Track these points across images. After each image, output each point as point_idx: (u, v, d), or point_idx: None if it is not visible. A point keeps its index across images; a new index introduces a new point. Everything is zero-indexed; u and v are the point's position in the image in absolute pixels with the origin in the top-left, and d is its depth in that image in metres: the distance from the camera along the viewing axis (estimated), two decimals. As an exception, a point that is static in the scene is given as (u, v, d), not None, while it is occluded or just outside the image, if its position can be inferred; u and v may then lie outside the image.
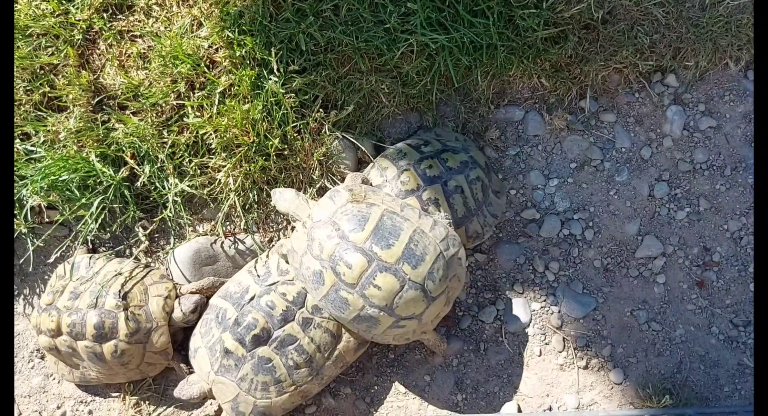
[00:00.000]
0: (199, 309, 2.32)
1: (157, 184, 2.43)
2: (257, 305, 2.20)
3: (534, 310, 2.50)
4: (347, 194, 2.12)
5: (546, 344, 2.47)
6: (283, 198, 2.26)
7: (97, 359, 2.26)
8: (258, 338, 2.16)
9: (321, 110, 2.45)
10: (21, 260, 2.51)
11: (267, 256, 2.39)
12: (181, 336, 2.43)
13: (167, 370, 2.43)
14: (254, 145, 2.40)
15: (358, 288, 2.03)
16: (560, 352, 2.46)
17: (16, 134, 2.43)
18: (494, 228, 2.48)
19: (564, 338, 2.46)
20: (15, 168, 2.38)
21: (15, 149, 2.41)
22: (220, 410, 2.37)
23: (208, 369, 2.21)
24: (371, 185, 2.34)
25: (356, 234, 2.04)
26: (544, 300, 2.50)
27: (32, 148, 2.41)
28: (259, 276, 2.28)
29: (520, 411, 2.38)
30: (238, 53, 2.36)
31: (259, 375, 2.16)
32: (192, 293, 2.37)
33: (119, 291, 2.26)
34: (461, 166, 2.35)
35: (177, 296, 2.37)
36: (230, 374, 2.18)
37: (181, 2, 2.47)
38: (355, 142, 2.46)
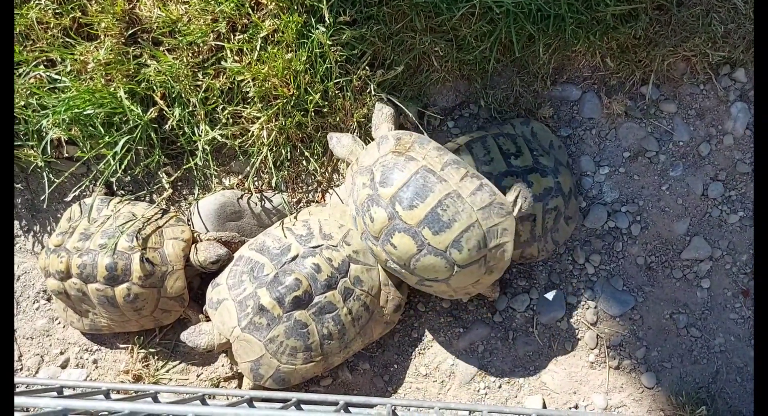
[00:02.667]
0: (222, 263, 2.18)
1: (186, 129, 2.27)
2: (301, 265, 2.07)
3: (569, 303, 2.36)
4: (393, 142, 2.04)
5: (578, 339, 2.34)
6: (341, 144, 2.20)
7: (108, 304, 2.13)
8: (299, 300, 2.03)
9: (367, 67, 2.29)
10: (38, 197, 2.38)
11: (295, 217, 2.25)
12: (197, 283, 2.30)
13: (179, 324, 2.30)
14: (293, 98, 2.24)
15: (380, 243, 2.01)
16: (592, 349, 2.33)
17: (40, 60, 2.27)
18: (550, 252, 2.31)
19: (598, 335, 2.34)
20: (37, 97, 2.23)
21: (38, 77, 2.25)
22: (234, 376, 2.26)
23: (234, 324, 2.07)
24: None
25: (384, 189, 1.98)
26: (581, 294, 2.37)
27: (57, 76, 2.25)
28: (301, 236, 2.15)
29: (545, 406, 2.26)
30: (286, -4, 2.19)
31: (291, 338, 2.04)
32: (210, 240, 2.23)
33: (134, 232, 2.13)
34: (544, 193, 2.16)
35: (195, 242, 2.23)
36: (259, 333, 2.04)
37: (230, -65, 2.29)
38: (400, 105, 2.30)
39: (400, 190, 1.94)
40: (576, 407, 2.28)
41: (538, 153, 2.25)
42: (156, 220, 2.22)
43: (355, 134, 2.33)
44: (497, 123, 2.40)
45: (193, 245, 2.21)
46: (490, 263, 2.00)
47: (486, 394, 2.29)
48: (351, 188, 2.11)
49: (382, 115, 2.23)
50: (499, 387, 2.31)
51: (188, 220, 2.33)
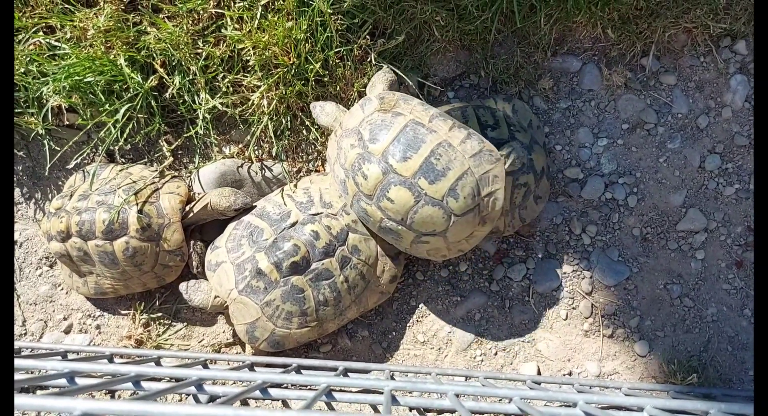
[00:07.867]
0: (241, 211, 2.20)
1: (187, 98, 2.27)
2: (300, 232, 2.10)
3: (565, 273, 2.40)
4: (377, 102, 2.05)
5: (573, 308, 2.38)
6: (325, 112, 2.20)
7: (109, 261, 2.16)
8: (296, 266, 2.06)
9: (368, 36, 2.28)
10: (39, 164, 2.38)
11: (295, 185, 2.27)
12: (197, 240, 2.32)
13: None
14: (293, 67, 2.24)
15: (375, 200, 2.01)
16: (587, 318, 2.37)
17: (39, 27, 2.26)
18: (516, 228, 2.33)
19: (593, 304, 2.37)
20: (36, 64, 2.22)
21: (38, 43, 2.24)
22: (235, 342, 2.29)
23: (231, 287, 2.10)
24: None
25: (375, 145, 1.98)
26: (577, 264, 2.40)
27: (56, 43, 2.24)
28: (301, 203, 2.17)
29: (539, 373, 2.31)
30: (287, -37, 2.17)
31: (287, 303, 2.07)
32: (233, 188, 2.27)
33: (130, 188, 2.16)
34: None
35: (190, 201, 2.25)
36: (256, 296, 2.08)
37: None
38: (401, 75, 2.30)
39: (391, 144, 1.96)
40: (570, 374, 2.33)
41: (515, 129, 2.25)
42: (151, 178, 2.25)
43: (356, 103, 2.33)
44: (480, 97, 2.41)
45: (216, 190, 2.22)
46: (483, 213, 2.02)
47: (482, 361, 2.34)
48: (336, 153, 2.10)
49: (383, 77, 2.20)
50: (495, 354, 2.35)
51: (189, 188, 2.35)
